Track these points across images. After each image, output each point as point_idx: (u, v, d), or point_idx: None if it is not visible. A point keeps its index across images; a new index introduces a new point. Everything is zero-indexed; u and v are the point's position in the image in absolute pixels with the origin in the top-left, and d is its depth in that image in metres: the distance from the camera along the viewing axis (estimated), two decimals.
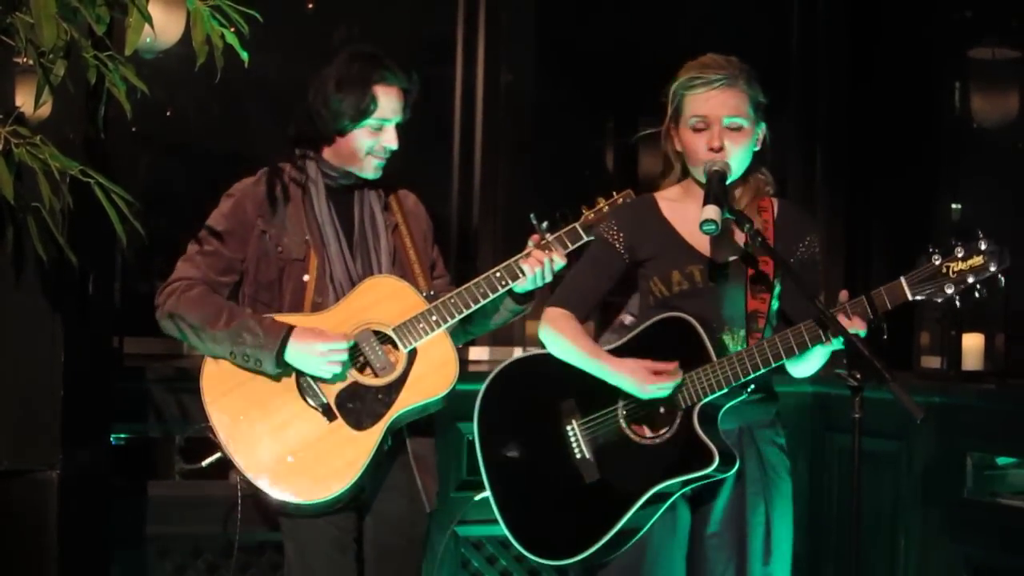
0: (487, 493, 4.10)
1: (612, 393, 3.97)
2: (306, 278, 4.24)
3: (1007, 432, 5.11)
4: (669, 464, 3.88)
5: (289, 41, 4.95)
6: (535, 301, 4.35)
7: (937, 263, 3.71)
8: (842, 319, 3.72)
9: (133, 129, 3.97)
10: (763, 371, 3.84)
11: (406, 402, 4.16)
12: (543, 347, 4.11)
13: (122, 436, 4.95)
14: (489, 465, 4.11)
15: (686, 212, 3.98)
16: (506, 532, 4.06)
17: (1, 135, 3.55)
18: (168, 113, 5.67)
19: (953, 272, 3.70)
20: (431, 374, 4.18)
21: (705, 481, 3.89)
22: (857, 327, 3.71)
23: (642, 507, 3.89)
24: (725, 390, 3.85)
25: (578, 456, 3.99)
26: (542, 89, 6.43)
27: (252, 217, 4.25)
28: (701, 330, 3.88)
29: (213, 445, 4.21)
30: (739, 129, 3.90)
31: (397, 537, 4.33)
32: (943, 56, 6.20)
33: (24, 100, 3.90)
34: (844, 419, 3.69)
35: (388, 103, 4.21)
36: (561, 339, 4.03)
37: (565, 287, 4.12)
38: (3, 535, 4.18)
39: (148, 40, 3.53)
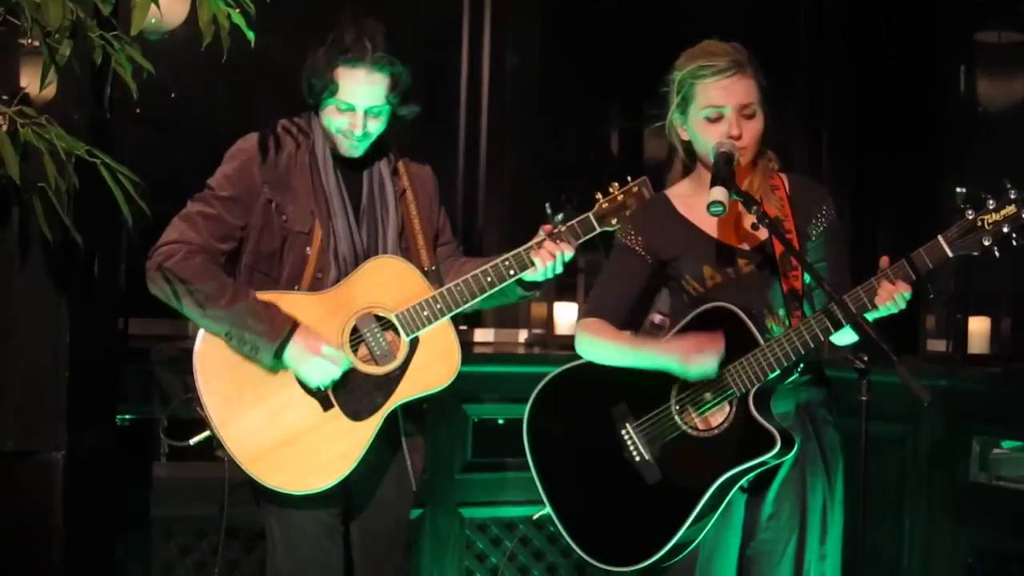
0: (548, 510, 4.05)
1: (663, 391, 3.94)
2: (308, 251, 4.13)
3: (1012, 416, 5.11)
4: (731, 453, 3.85)
5: (295, 22, 4.94)
6: (542, 289, 4.30)
7: (971, 217, 3.71)
8: (885, 284, 3.71)
9: (138, 110, 3.96)
10: (812, 348, 3.82)
11: (405, 393, 4.09)
12: (575, 355, 4.08)
13: (127, 417, 4.95)
14: (546, 481, 4.06)
15: (701, 205, 3.90)
16: (574, 546, 4.00)
17: (7, 115, 3.55)
18: (173, 94, 5.67)
19: (988, 224, 3.70)
20: (432, 365, 4.11)
21: (765, 468, 3.87)
22: (902, 290, 3.71)
23: (710, 500, 3.86)
24: (777, 372, 3.83)
25: (637, 459, 3.95)
26: (548, 72, 6.43)
27: (258, 183, 4.13)
28: (744, 316, 3.85)
29: (200, 424, 4.09)
30: (753, 116, 3.89)
31: (383, 519, 4.27)
32: (950, 39, 6.19)
33: (29, 81, 3.90)
34: (851, 402, 3.69)
35: (349, 87, 4.08)
36: (599, 341, 4.00)
37: (595, 298, 4.11)
38: (9, 516, 4.19)
39: (154, 20, 3.52)
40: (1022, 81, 6.17)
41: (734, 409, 3.87)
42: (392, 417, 4.13)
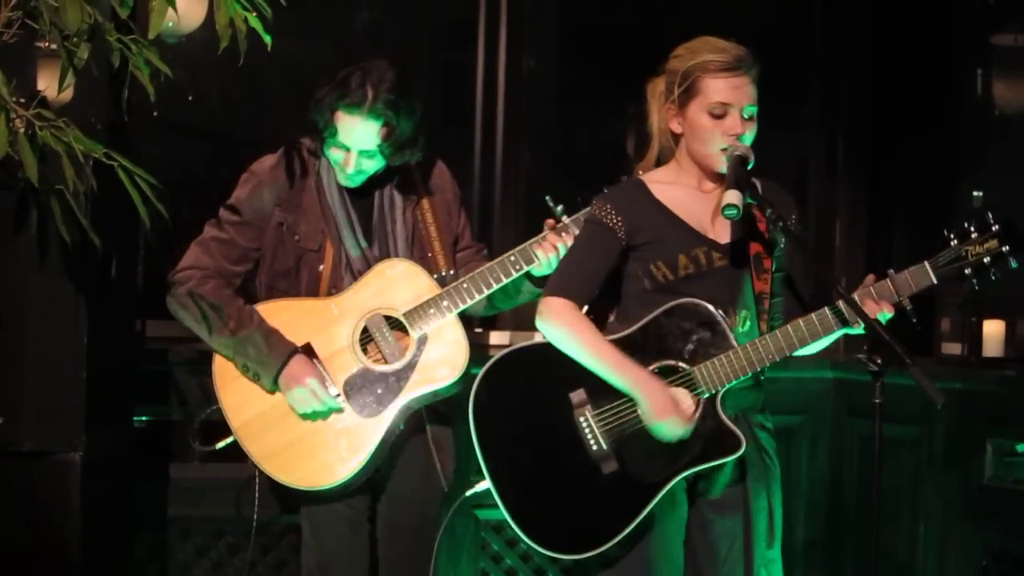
0: (488, 484, 3.99)
1: None
2: (321, 268, 4.26)
3: None
4: (695, 451, 3.86)
5: (312, 25, 4.96)
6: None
7: (955, 245, 3.77)
8: (869, 303, 3.75)
9: (155, 113, 3.98)
10: (788, 355, 3.84)
11: (414, 389, 4.17)
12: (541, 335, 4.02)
13: (144, 418, 4.97)
14: (490, 458, 3.98)
15: (680, 193, 3.94)
16: (515, 528, 3.95)
17: (24, 118, 3.57)
18: (190, 97, 5.69)
19: (972, 255, 3.76)
20: (441, 361, 4.19)
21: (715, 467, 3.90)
22: (885, 310, 3.75)
23: (666, 495, 3.87)
24: (749, 376, 3.85)
25: (594, 448, 3.91)
26: (564, 74, 6.44)
27: (270, 207, 4.27)
28: (721, 316, 3.86)
29: (226, 428, 4.26)
30: (752, 118, 3.89)
31: (409, 516, 4.34)
32: (965, 42, 6.18)
33: (46, 83, 3.92)
34: (865, 404, 3.70)
35: (346, 130, 4.16)
36: (571, 335, 3.92)
37: (564, 274, 4.02)
38: (27, 516, 4.20)
39: (171, 24, 3.54)
40: None
41: (700, 408, 3.87)
42: (418, 418, 4.25)
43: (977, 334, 5.68)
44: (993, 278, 3.78)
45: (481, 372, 4.02)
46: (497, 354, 4.03)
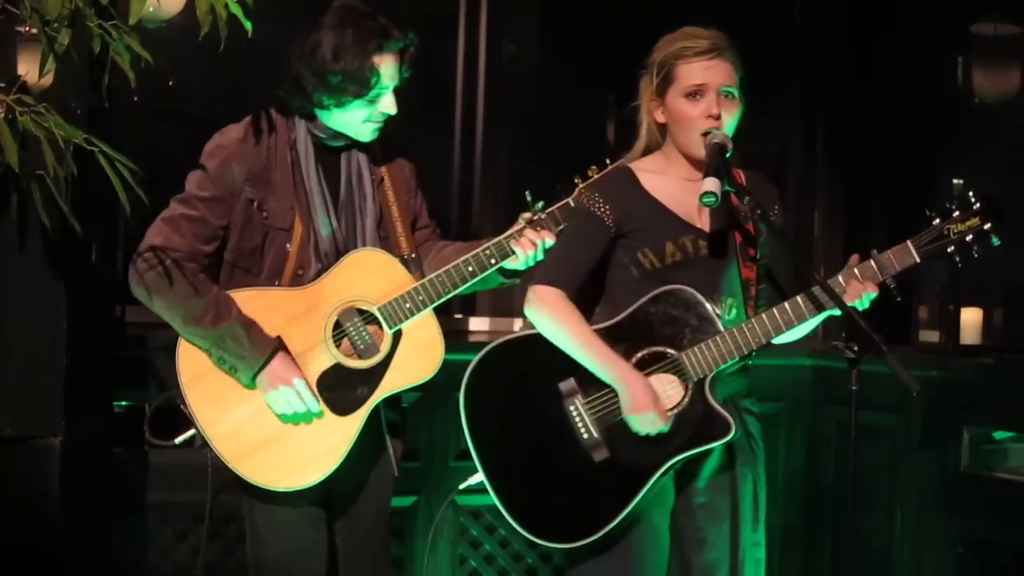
0: (481, 477, 4.01)
1: None
2: (289, 247, 4.10)
3: (1004, 406, 5.14)
4: (685, 436, 3.88)
5: (291, 11, 4.95)
6: (523, 275, 4.24)
7: (937, 224, 3.81)
8: (853, 283, 3.78)
9: (135, 98, 3.96)
10: (774, 338, 3.87)
11: (389, 386, 4.07)
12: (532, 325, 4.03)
13: (123, 403, 4.97)
14: (482, 449, 4.01)
15: (668, 183, 3.97)
16: (510, 519, 3.97)
17: (4, 103, 3.56)
18: (171, 83, 5.67)
19: (954, 233, 3.80)
20: (416, 357, 4.09)
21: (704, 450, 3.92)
22: (869, 289, 3.79)
23: (657, 481, 3.89)
24: (736, 360, 3.87)
25: (584, 436, 3.93)
26: (545, 61, 6.45)
27: (239, 182, 4.08)
28: (706, 301, 3.89)
29: (183, 419, 4.12)
30: (732, 99, 3.91)
31: (366, 506, 4.25)
32: (944, 31, 6.20)
33: (26, 68, 3.91)
34: (842, 392, 3.72)
35: (387, 72, 4.05)
36: (558, 325, 3.94)
37: (553, 263, 4.04)
38: (6, 501, 4.20)
39: (151, 9, 3.54)
40: (1017, 73, 6.18)
41: (690, 393, 3.90)
42: (374, 406, 4.11)
43: (955, 322, 5.71)
44: (976, 255, 3.81)
45: (472, 364, 4.02)
46: (488, 345, 4.03)
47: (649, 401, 3.86)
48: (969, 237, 3.79)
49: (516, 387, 4.04)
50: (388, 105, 4.09)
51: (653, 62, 3.97)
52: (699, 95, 3.88)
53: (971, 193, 3.82)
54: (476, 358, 4.02)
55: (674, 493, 4.01)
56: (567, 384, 3.96)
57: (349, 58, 4.00)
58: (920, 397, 3.68)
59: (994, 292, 5.75)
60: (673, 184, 3.97)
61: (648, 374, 3.90)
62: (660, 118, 3.99)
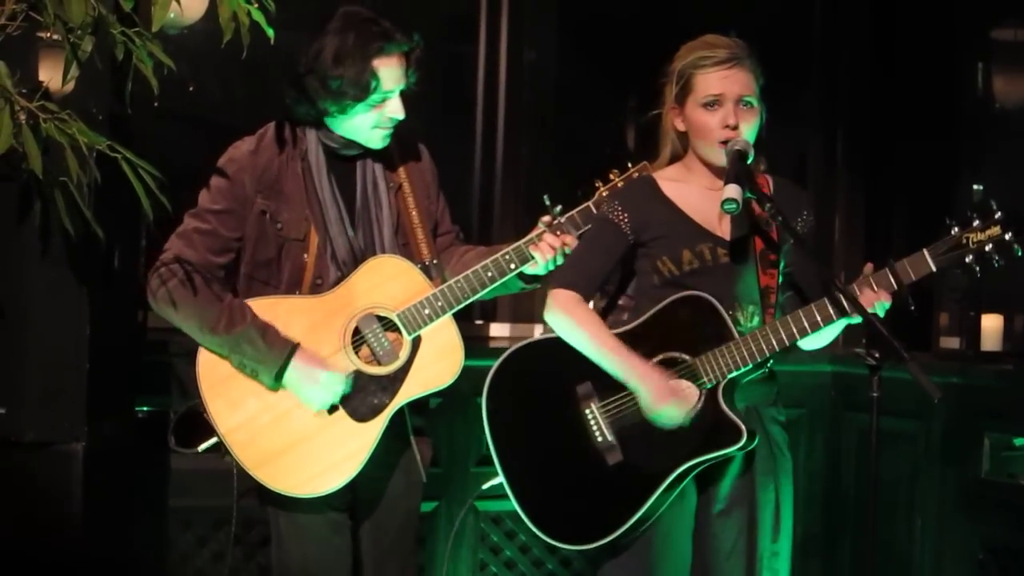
0: (500, 479, 4.05)
1: None
2: (306, 257, 4.10)
3: None
4: (697, 442, 3.89)
5: (313, 18, 4.97)
6: (543, 280, 4.23)
7: (956, 233, 3.78)
8: (867, 292, 3.77)
9: (156, 104, 3.98)
10: (788, 345, 3.86)
11: (409, 392, 4.06)
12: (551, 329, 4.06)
13: (145, 409, 4.98)
14: (502, 453, 4.05)
15: (689, 191, 3.99)
16: (526, 520, 4.00)
17: (25, 108, 3.58)
18: (191, 88, 5.69)
19: (973, 242, 3.77)
20: (436, 363, 4.07)
21: (719, 459, 3.91)
22: (883, 299, 3.77)
23: (668, 487, 3.90)
24: (750, 366, 3.87)
25: (599, 439, 3.96)
26: (565, 67, 6.45)
27: (251, 194, 4.09)
28: (721, 308, 3.89)
29: (206, 426, 4.12)
30: (751, 108, 3.92)
31: (392, 511, 4.23)
32: (965, 36, 6.19)
33: (48, 75, 3.93)
34: (862, 398, 3.72)
35: (390, 75, 4.02)
36: (576, 327, 3.99)
37: (571, 268, 4.06)
38: (29, 506, 4.21)
39: (172, 16, 3.55)
40: None
41: (702, 399, 3.90)
42: (399, 411, 4.11)
43: (975, 328, 5.70)
44: (996, 265, 3.77)
45: (493, 369, 4.07)
46: (508, 350, 4.07)
47: (669, 392, 3.87)
48: (989, 247, 3.76)
49: (535, 390, 4.08)
50: (395, 110, 4.07)
51: (672, 71, 3.99)
52: (717, 105, 3.90)
53: (992, 202, 3.79)
54: (497, 361, 4.07)
55: (696, 499, 4.01)
56: (584, 387, 3.99)
57: (349, 62, 3.98)
58: (941, 404, 3.67)
59: (1015, 299, 5.75)
60: (695, 192, 3.99)
61: None
62: (680, 126, 4.01)
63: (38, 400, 4.18)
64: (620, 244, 4.01)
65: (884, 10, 6.38)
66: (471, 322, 5.99)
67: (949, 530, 5.30)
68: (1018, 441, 5.23)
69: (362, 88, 4.00)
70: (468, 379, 4.10)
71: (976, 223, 3.78)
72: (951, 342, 5.78)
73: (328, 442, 4.05)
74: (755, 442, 3.92)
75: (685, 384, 3.90)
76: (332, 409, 4.05)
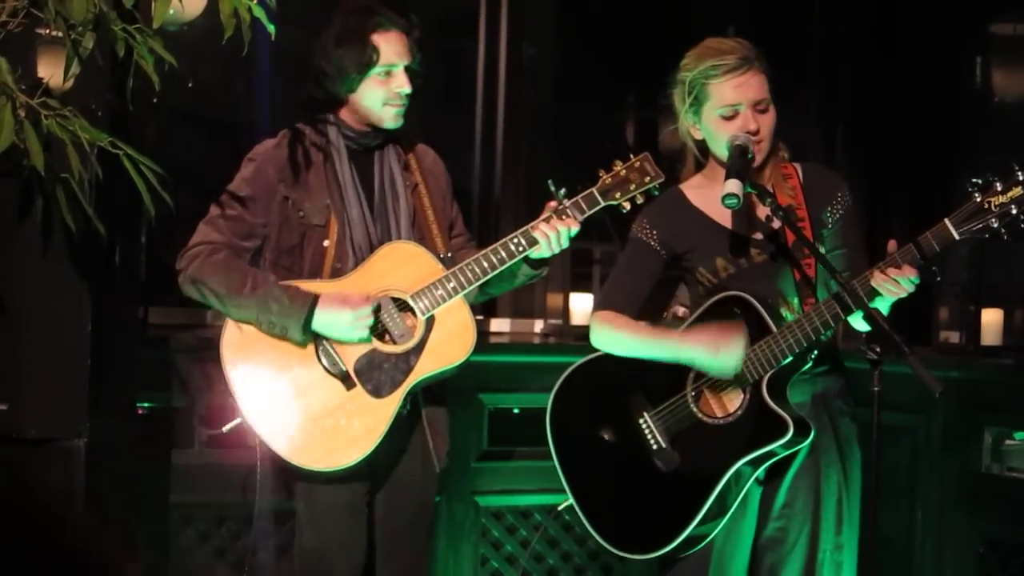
0: (571, 501, 4.09)
1: (679, 380, 3.97)
2: (326, 243, 4.23)
3: None
4: (744, 440, 3.88)
5: (314, 14, 4.97)
6: (549, 267, 4.32)
7: (978, 199, 3.70)
8: (891, 269, 3.72)
9: (155, 100, 3.98)
10: (825, 334, 3.85)
11: (424, 369, 4.15)
12: (592, 348, 4.09)
13: (146, 405, 4.99)
14: (568, 472, 4.09)
15: (715, 197, 3.95)
16: (598, 537, 4.04)
17: (26, 105, 3.58)
18: (190, 84, 5.69)
19: (996, 206, 3.68)
20: (449, 341, 4.18)
21: (782, 455, 3.91)
22: (909, 274, 3.71)
23: (724, 487, 3.90)
24: (790, 358, 3.86)
25: (655, 447, 3.98)
26: (564, 63, 6.45)
27: (274, 182, 4.24)
28: (757, 304, 3.89)
29: (231, 411, 4.21)
30: (766, 110, 3.92)
31: (408, 500, 4.34)
32: (964, 31, 6.20)
33: (49, 72, 3.93)
34: (863, 392, 3.71)
35: (389, 47, 4.18)
36: (619, 334, 4.03)
37: (608, 292, 4.13)
38: (30, 502, 4.21)
39: (172, 12, 3.55)
40: None
41: (748, 396, 3.90)
42: (416, 402, 4.23)
43: (976, 323, 5.71)
44: (1022, 226, 3.67)
45: (553, 391, 4.12)
46: (564, 372, 4.12)
47: (716, 341, 3.86)
48: (1014, 208, 3.66)
49: (592, 408, 4.11)
50: (401, 83, 4.21)
51: (683, 81, 3.98)
52: (734, 114, 3.90)
53: (1016, 165, 3.71)
54: (558, 382, 4.13)
55: (759, 497, 4.00)
56: (636, 399, 4.02)
57: (349, 41, 4.17)
58: (941, 398, 3.65)
59: (1015, 293, 5.75)
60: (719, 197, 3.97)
61: (707, 380, 3.94)
62: (697, 135, 4.01)
63: (40, 396, 4.18)
64: (653, 261, 4.06)
65: (884, 4, 6.38)
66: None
67: (949, 524, 5.30)
68: (1018, 435, 5.23)
69: (364, 61, 4.17)
70: (469, 374, 4.14)
71: (998, 186, 3.70)
72: (951, 336, 5.79)
73: (347, 417, 4.14)
74: (809, 435, 3.88)
75: (731, 326, 3.89)
76: (350, 386, 4.14)
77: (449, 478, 5.33)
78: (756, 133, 3.89)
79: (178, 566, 5.04)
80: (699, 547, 3.96)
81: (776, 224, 3.96)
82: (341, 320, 4.11)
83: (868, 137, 6.44)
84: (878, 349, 3.66)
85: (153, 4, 3.58)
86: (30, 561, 4.20)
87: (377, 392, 4.15)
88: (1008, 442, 5.22)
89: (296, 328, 4.11)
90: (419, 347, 4.16)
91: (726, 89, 3.89)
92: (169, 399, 5.00)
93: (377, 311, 4.15)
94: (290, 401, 4.15)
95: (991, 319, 5.74)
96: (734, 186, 3.75)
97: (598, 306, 4.12)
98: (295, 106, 4.31)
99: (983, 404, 5.22)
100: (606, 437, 4.07)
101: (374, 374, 4.15)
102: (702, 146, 4.04)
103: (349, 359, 4.16)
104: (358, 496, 4.27)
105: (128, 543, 4.70)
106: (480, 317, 6.07)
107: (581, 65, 6.47)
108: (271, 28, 3.65)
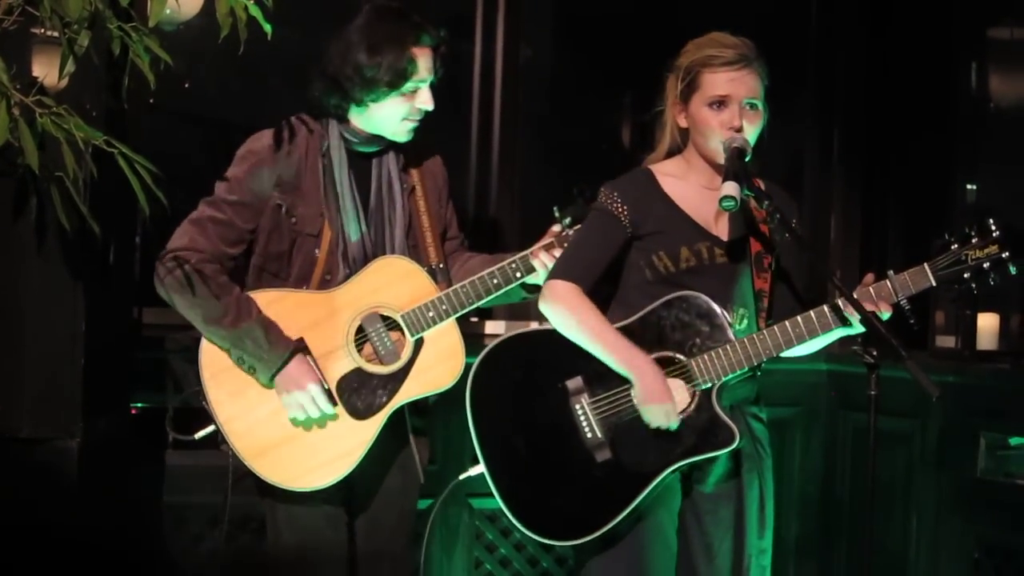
0: (482, 468, 4.02)
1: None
2: (317, 252, 4.15)
3: (1021, 412, 5.13)
4: (689, 442, 3.88)
5: (311, 13, 4.97)
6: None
7: (955, 249, 3.81)
8: (867, 303, 3.77)
9: (151, 100, 3.98)
10: (786, 351, 3.86)
11: (408, 393, 4.10)
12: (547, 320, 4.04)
13: (139, 405, 4.97)
14: (485, 443, 4.03)
15: (687, 188, 3.98)
16: (507, 513, 3.99)
17: (20, 103, 3.57)
18: (187, 84, 5.68)
19: (971, 260, 3.80)
20: (437, 365, 4.12)
21: (709, 459, 3.92)
22: (883, 310, 3.77)
23: (658, 485, 3.89)
24: (746, 370, 3.87)
25: (588, 435, 3.94)
26: (561, 64, 6.44)
27: (268, 187, 4.13)
28: (720, 309, 3.88)
29: (205, 416, 4.17)
30: (755, 111, 3.91)
31: (388, 511, 4.28)
32: (961, 36, 6.19)
33: (44, 70, 3.92)
34: (859, 397, 3.71)
35: (425, 64, 4.08)
36: (574, 318, 3.95)
37: (569, 259, 4.04)
38: (23, 502, 4.20)
39: (168, 11, 3.54)
40: None
41: (696, 399, 3.90)
42: (399, 411, 4.14)
43: (972, 327, 5.69)
44: (992, 282, 3.81)
45: (478, 359, 4.04)
46: (494, 341, 4.05)
47: (665, 393, 3.86)
48: (986, 264, 3.80)
49: (522, 383, 4.05)
50: (425, 100, 4.12)
51: (679, 66, 3.98)
52: (722, 105, 3.89)
53: (991, 220, 3.81)
54: (484, 351, 4.04)
55: (681, 497, 4.01)
56: (574, 382, 3.97)
57: (387, 49, 4.04)
58: (936, 403, 3.67)
59: (1011, 297, 5.74)
60: (692, 189, 3.98)
61: None
62: (682, 123, 4.00)
63: (33, 396, 4.18)
64: (619, 236, 3.98)
65: (880, 8, 6.37)
66: (467, 319, 5.97)
67: (944, 529, 5.30)
68: (1014, 440, 5.23)
69: (399, 74, 4.05)
70: (464, 377, 4.10)
71: (975, 240, 3.81)
72: (947, 341, 5.77)
73: (325, 438, 4.08)
74: (743, 442, 3.91)
75: (677, 385, 3.89)
76: (332, 405, 4.06)
77: (443, 482, 5.33)
78: (739, 130, 3.88)
79: (172, 567, 5.02)
80: (618, 544, 3.94)
81: (740, 230, 3.97)
82: (302, 390, 4.03)
83: (864, 141, 6.43)
84: (875, 353, 3.67)
85: (149, 3, 3.57)
86: (22, 561, 4.19)
87: (358, 413, 4.08)
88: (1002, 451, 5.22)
89: (265, 375, 4.05)
90: (405, 369, 4.10)
91: (719, 80, 3.89)
92: (163, 399, 4.98)
93: (359, 333, 4.08)
94: (268, 417, 4.09)
95: (987, 324, 5.73)
96: (731, 188, 3.75)
97: (557, 274, 4.00)
98: (294, 106, 4.27)
99: (979, 409, 5.21)
100: (534, 415, 4.00)
101: (357, 394, 4.09)
102: (684, 134, 4.02)
103: (332, 378, 4.09)
104: (336, 506, 4.20)
105: (121, 543, 4.68)
106: (475, 319, 6.05)
107: (578, 67, 6.46)
108: (268, 27, 3.64)
